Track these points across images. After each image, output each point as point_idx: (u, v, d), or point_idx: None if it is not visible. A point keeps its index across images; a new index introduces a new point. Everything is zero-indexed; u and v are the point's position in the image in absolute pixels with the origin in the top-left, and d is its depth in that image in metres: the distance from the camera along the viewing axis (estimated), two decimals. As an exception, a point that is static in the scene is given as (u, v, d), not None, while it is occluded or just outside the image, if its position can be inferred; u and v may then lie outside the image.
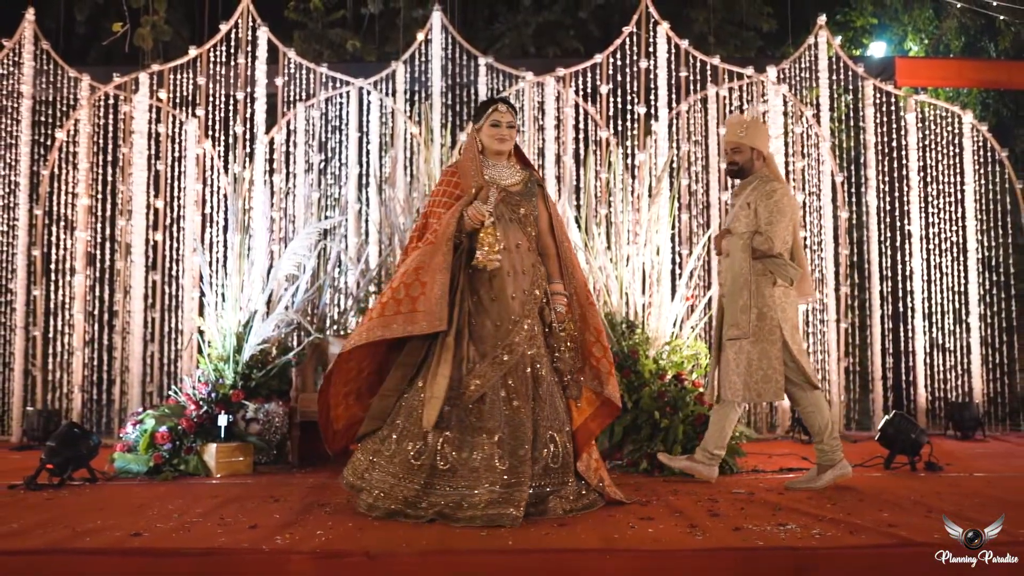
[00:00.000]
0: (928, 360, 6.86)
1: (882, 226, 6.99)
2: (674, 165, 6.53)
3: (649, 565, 2.35)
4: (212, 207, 6.59)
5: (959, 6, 8.32)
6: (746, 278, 3.77)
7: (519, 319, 3.11)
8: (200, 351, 4.99)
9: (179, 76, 6.71)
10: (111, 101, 6.70)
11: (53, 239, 6.60)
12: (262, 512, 3.07)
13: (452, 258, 3.11)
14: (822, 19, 6.92)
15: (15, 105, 6.68)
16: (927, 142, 7.05)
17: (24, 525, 2.80)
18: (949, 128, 7.04)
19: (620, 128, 6.73)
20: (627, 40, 6.74)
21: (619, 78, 6.76)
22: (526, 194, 3.28)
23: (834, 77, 6.90)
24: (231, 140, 6.70)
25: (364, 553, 2.33)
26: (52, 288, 6.57)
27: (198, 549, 2.43)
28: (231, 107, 6.77)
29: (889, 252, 7.01)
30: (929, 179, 7.02)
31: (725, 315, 3.88)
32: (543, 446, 3.05)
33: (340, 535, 2.62)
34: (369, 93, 6.79)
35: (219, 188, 6.61)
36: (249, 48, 6.71)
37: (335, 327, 5.47)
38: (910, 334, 6.88)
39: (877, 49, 9.53)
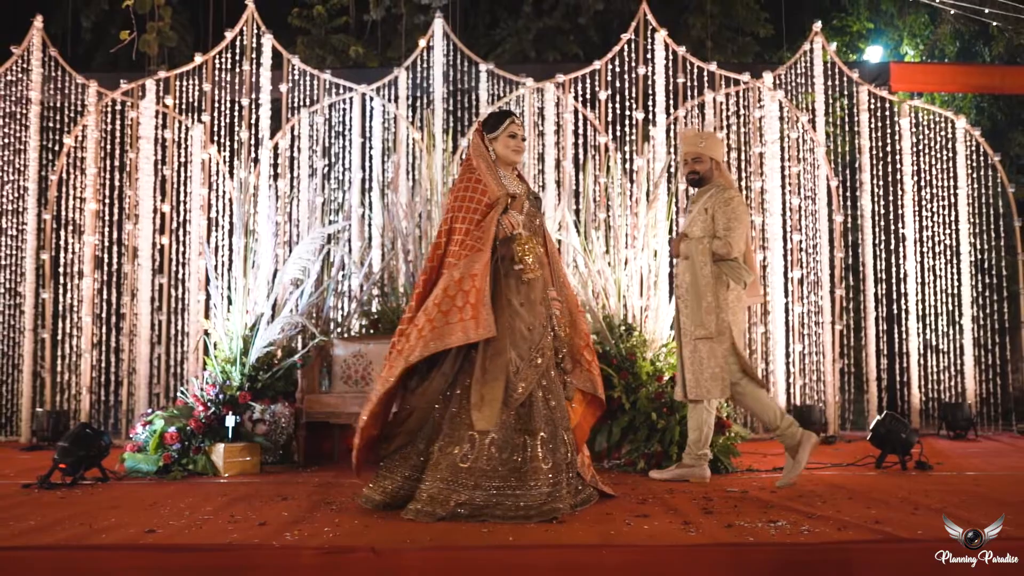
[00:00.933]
0: (922, 361, 6.95)
1: (876, 229, 7.07)
2: (671, 170, 6.62)
3: (644, 560, 2.43)
4: (218, 211, 6.68)
5: (952, 12, 8.41)
6: (708, 280, 3.96)
7: (546, 324, 3.25)
8: (207, 353, 5.09)
9: (185, 83, 6.80)
10: (118, 107, 6.80)
11: (61, 243, 6.69)
12: (270, 510, 3.16)
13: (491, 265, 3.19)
14: (817, 25, 7.00)
15: (24, 111, 6.77)
16: (921, 147, 7.14)
17: (41, 522, 2.89)
18: (942, 133, 7.13)
19: (618, 133, 6.82)
20: (625, 47, 6.83)
21: (617, 84, 6.85)
22: (536, 205, 3.41)
23: (829, 83, 6.98)
24: (236, 145, 6.80)
25: (370, 549, 2.41)
26: (60, 291, 6.66)
27: (211, 545, 2.52)
28: (236, 113, 6.87)
29: (883, 255, 7.10)
30: (923, 183, 7.10)
31: (686, 316, 4.05)
32: None
33: (347, 531, 2.71)
34: (372, 99, 6.88)
35: (224, 193, 6.70)
36: (254, 55, 6.80)
37: (339, 330, 5.57)
38: (904, 336, 6.96)
39: (874, 54, 9.62)
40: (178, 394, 5.12)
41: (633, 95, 6.83)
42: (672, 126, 6.81)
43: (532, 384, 3.12)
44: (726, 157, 6.82)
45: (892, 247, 7.09)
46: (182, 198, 6.78)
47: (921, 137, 7.14)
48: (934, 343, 6.97)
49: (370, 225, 6.48)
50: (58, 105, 6.88)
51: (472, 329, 3.04)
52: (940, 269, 7.03)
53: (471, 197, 3.24)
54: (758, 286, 4.29)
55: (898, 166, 7.09)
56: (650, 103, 6.76)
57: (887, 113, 7.10)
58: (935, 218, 7.08)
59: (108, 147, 6.80)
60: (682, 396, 4.13)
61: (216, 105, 6.85)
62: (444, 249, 3.24)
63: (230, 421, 4.50)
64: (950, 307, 6.99)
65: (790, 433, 3.89)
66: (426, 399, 3.13)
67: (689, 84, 6.85)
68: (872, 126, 7.06)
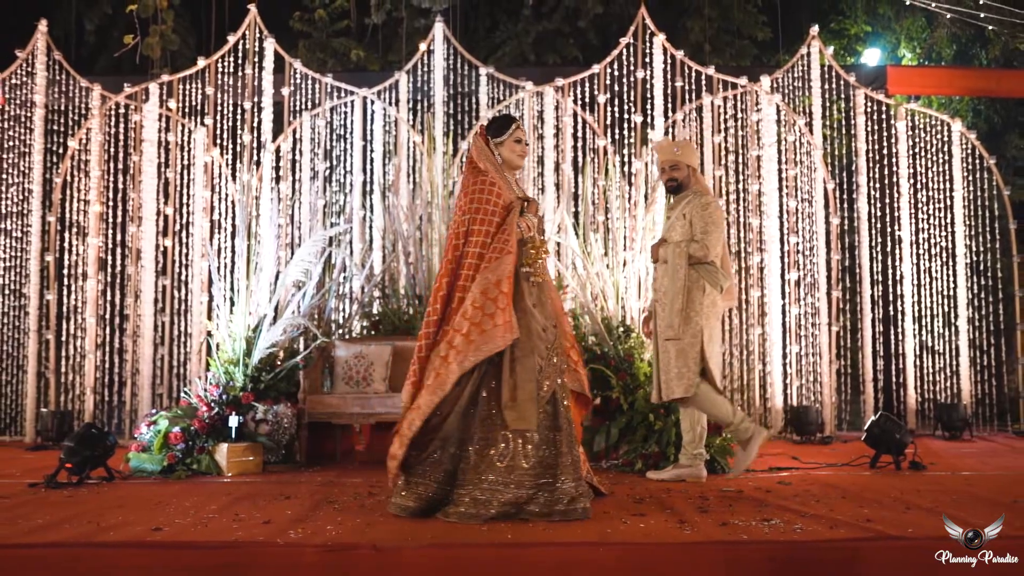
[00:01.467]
0: (918, 362, 7.01)
1: (873, 232, 7.12)
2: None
3: (640, 557, 2.49)
4: (220, 214, 6.74)
5: (949, 16, 8.47)
6: (683, 283, 4.04)
7: (555, 323, 3.32)
8: (210, 354, 5.14)
9: (188, 86, 6.85)
10: (122, 111, 6.86)
11: (66, 245, 6.74)
12: (274, 508, 3.21)
13: None
14: (815, 29, 7.05)
15: (28, 114, 6.83)
16: (917, 149, 7.19)
17: (49, 521, 2.94)
18: (938, 136, 7.19)
19: (617, 137, 6.88)
20: (624, 50, 6.89)
21: (616, 88, 6.90)
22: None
23: (826, 86, 7.03)
24: (239, 148, 6.86)
25: (372, 546, 2.46)
26: (65, 292, 6.71)
27: (216, 542, 2.58)
28: (239, 116, 6.93)
29: (880, 257, 7.16)
30: (919, 186, 7.16)
31: (661, 319, 4.13)
32: None
33: (349, 529, 2.76)
34: (373, 102, 6.93)
35: (227, 195, 6.76)
36: (256, 59, 6.85)
37: (341, 331, 5.63)
38: (900, 337, 7.01)
39: (871, 57, 9.66)
40: (182, 395, 5.17)
41: (632, 99, 6.89)
42: (671, 129, 6.86)
43: (554, 382, 3.18)
44: (724, 160, 6.89)
45: (888, 249, 7.15)
46: (185, 200, 6.83)
47: (917, 140, 7.20)
48: (930, 344, 7.02)
49: (371, 227, 6.54)
50: (62, 108, 6.94)
51: (509, 331, 3.09)
52: (936, 271, 7.08)
53: (486, 199, 3.25)
54: (734, 291, 4.35)
55: (894, 169, 7.15)
56: (648, 107, 6.83)
57: (883, 116, 7.15)
58: (931, 220, 7.14)
59: (112, 150, 6.86)
60: (657, 398, 4.20)
61: (219, 108, 6.91)
62: (462, 251, 3.25)
63: (233, 421, 4.55)
64: (946, 309, 7.05)
65: (743, 428, 3.97)
66: (459, 404, 3.13)
67: (687, 88, 6.91)
68: (868, 129, 7.11)
